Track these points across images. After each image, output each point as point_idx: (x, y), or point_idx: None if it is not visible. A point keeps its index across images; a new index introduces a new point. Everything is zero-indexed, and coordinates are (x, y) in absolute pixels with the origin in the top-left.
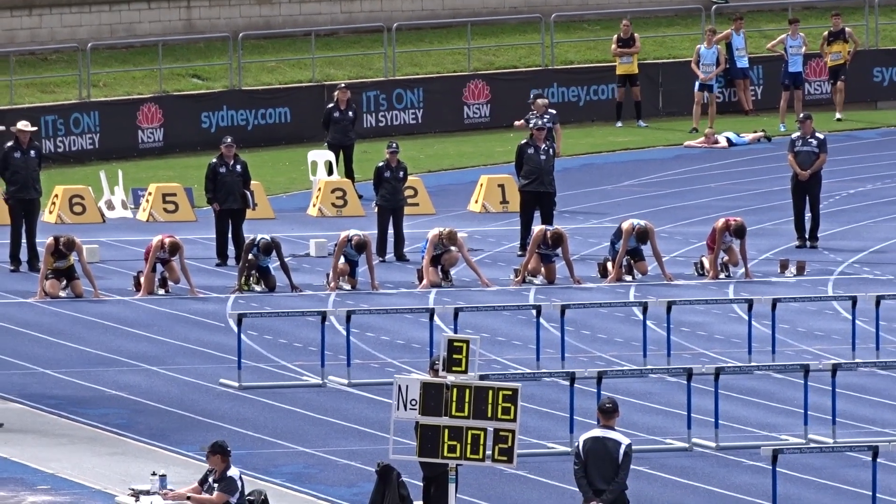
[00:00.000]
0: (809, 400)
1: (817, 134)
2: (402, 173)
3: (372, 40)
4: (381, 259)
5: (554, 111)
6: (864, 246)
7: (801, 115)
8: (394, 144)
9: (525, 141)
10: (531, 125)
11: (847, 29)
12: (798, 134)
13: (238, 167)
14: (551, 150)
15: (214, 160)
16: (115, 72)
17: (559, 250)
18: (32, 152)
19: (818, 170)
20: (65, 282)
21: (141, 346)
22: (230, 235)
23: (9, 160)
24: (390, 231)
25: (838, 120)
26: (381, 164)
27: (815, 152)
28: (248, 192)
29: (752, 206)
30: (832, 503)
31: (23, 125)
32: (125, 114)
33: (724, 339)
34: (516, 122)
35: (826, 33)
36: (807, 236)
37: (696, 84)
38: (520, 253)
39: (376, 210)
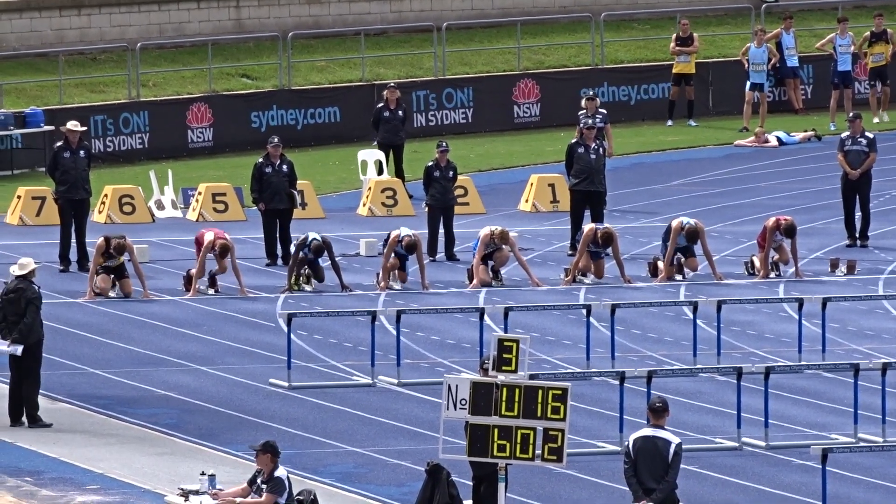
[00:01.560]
0: (859, 399)
1: (867, 133)
2: (451, 173)
3: (421, 39)
4: (431, 259)
5: (605, 111)
6: None
7: (851, 114)
8: (444, 144)
9: (575, 140)
10: (581, 124)
11: (889, 30)
12: (848, 133)
13: (284, 167)
14: (601, 150)
15: (261, 160)
16: (165, 71)
17: (609, 249)
18: (82, 152)
19: (868, 169)
20: (114, 279)
21: (190, 346)
22: (278, 235)
23: (58, 160)
24: (441, 231)
25: (885, 121)
26: (430, 163)
27: (865, 151)
28: (294, 192)
29: (803, 205)
30: (882, 502)
31: (72, 125)
32: (175, 113)
33: (774, 338)
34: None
35: (868, 34)
36: (857, 235)
37: (748, 83)
38: (570, 252)
39: (427, 210)
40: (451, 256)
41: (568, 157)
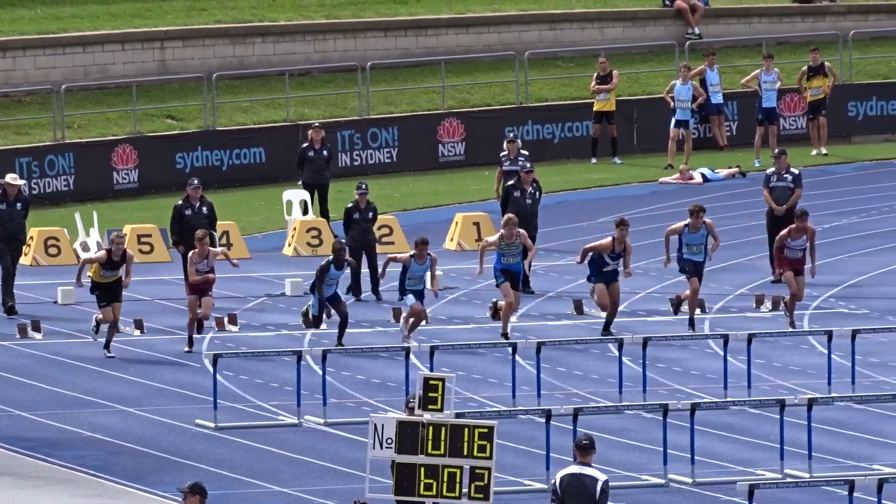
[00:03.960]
0: (786, 435)
1: (792, 169)
2: (371, 214)
3: (346, 79)
4: (356, 298)
5: (526, 153)
6: (840, 280)
7: (777, 150)
8: (363, 185)
9: (512, 183)
10: (519, 167)
11: (826, 64)
12: (773, 169)
13: (204, 209)
14: (537, 194)
15: (180, 202)
16: (90, 113)
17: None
18: (19, 205)
19: (793, 205)
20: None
21: (116, 388)
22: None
23: None
24: (364, 271)
25: (824, 154)
26: (350, 204)
27: (790, 187)
28: (214, 234)
29: (728, 241)
30: None
31: (11, 178)
32: (100, 155)
33: (700, 374)
34: None
35: (805, 68)
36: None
37: (672, 120)
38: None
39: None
40: (377, 294)
41: (504, 199)
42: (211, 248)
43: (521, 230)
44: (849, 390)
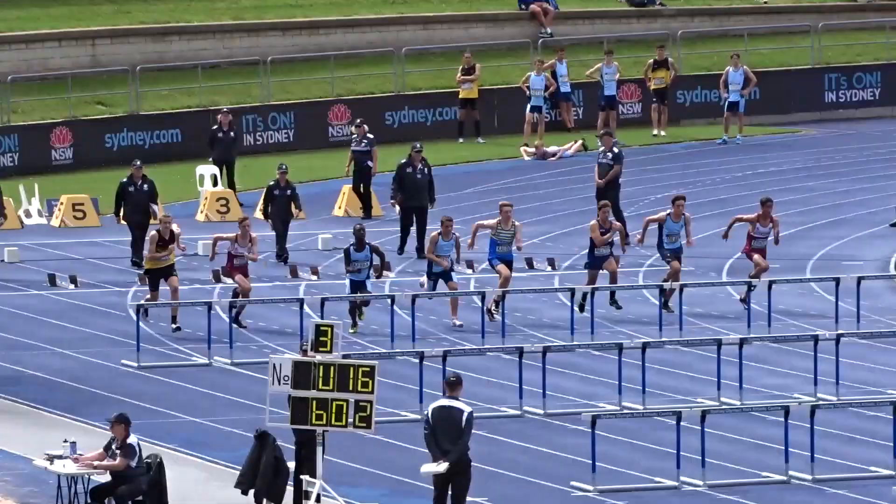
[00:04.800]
0: (623, 372)
1: (614, 149)
2: (289, 191)
3: (250, 72)
4: (284, 258)
5: (371, 136)
6: None
7: (602, 131)
8: (283, 166)
9: (404, 161)
10: (413, 147)
11: (670, 59)
12: (601, 148)
13: (145, 186)
14: (426, 170)
15: (125, 179)
16: (32, 100)
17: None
18: None
19: (613, 178)
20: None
21: (55, 333)
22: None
23: None
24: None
25: (657, 136)
26: (272, 182)
27: (610, 164)
28: (153, 207)
29: (570, 210)
30: (642, 460)
31: None
32: (40, 136)
33: (551, 322)
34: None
35: (651, 61)
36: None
37: (528, 106)
38: (399, 254)
39: (270, 222)
40: (283, 257)
41: (397, 177)
42: (252, 235)
43: (518, 223)
44: (678, 335)
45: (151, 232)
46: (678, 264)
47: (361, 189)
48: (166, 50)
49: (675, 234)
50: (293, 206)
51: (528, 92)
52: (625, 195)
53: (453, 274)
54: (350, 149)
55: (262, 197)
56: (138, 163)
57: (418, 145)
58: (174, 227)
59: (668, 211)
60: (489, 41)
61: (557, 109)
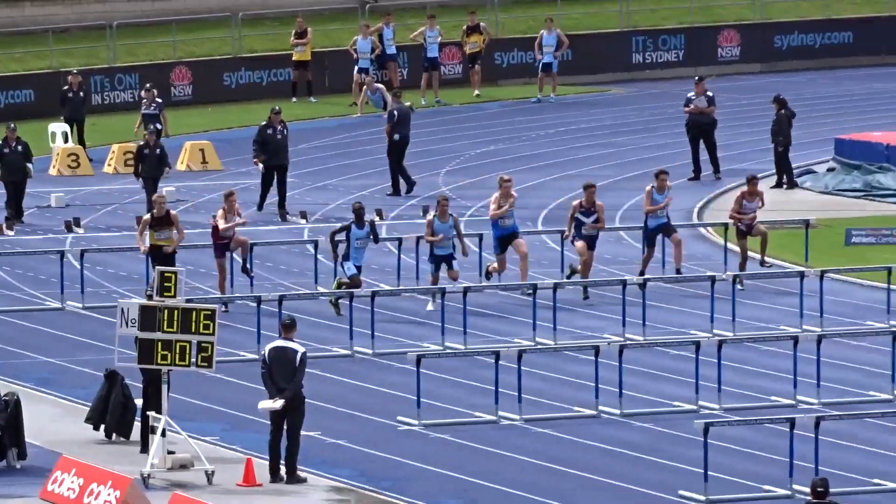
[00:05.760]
0: (447, 316)
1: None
2: (159, 150)
3: (98, 36)
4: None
5: (160, 100)
6: (488, 194)
7: (395, 90)
8: (151, 127)
9: (265, 123)
10: (272, 110)
11: (482, 24)
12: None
13: (20, 147)
14: (285, 130)
15: (0, 142)
16: None
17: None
18: None
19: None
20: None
21: None
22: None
23: None
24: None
25: (477, 96)
26: (141, 142)
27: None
28: (28, 166)
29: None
30: (465, 395)
31: None
32: None
33: (379, 268)
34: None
35: (465, 27)
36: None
37: (356, 68)
38: (259, 210)
39: (141, 181)
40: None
41: (259, 137)
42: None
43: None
44: (490, 280)
45: (145, 216)
46: (678, 236)
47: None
48: (19, 14)
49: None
50: (162, 164)
51: (355, 55)
52: (445, 150)
53: (454, 262)
54: (140, 112)
55: (134, 157)
56: (12, 125)
57: (277, 108)
58: (173, 212)
59: (653, 184)
60: (320, 6)
61: (384, 70)
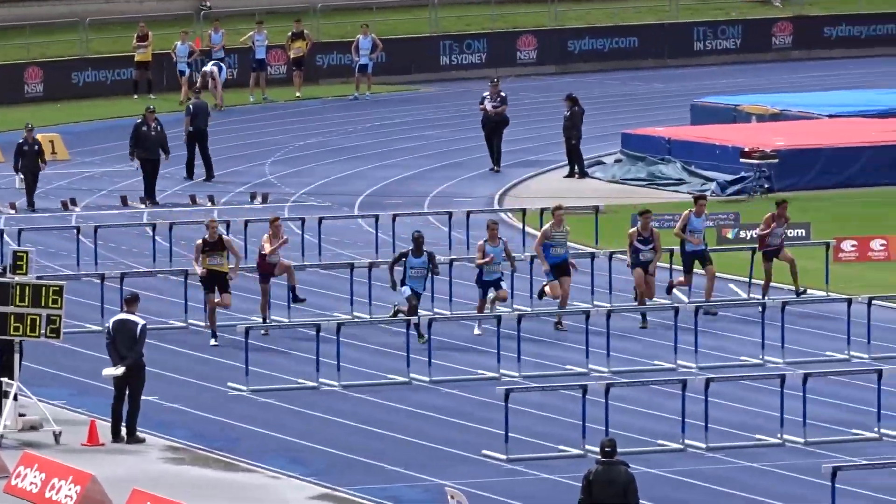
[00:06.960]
0: (274, 292)
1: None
2: (37, 147)
3: None
4: (31, 207)
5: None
6: (310, 181)
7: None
8: (30, 124)
9: (140, 120)
10: (147, 108)
11: (306, 31)
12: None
13: (159, 128)
14: (159, 127)
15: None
16: None
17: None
18: None
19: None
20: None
21: None
22: None
23: None
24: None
25: (298, 97)
26: (21, 140)
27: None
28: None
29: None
30: (293, 365)
31: None
32: None
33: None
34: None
35: (290, 33)
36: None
37: (177, 70)
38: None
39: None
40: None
41: (134, 134)
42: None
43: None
44: (317, 260)
45: (198, 241)
46: (713, 269)
47: None
48: None
49: (698, 233)
50: (40, 159)
51: (174, 58)
52: (271, 143)
53: (503, 283)
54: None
55: (14, 153)
56: (152, 108)
57: (151, 107)
58: (226, 237)
59: (692, 210)
60: (160, 13)
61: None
